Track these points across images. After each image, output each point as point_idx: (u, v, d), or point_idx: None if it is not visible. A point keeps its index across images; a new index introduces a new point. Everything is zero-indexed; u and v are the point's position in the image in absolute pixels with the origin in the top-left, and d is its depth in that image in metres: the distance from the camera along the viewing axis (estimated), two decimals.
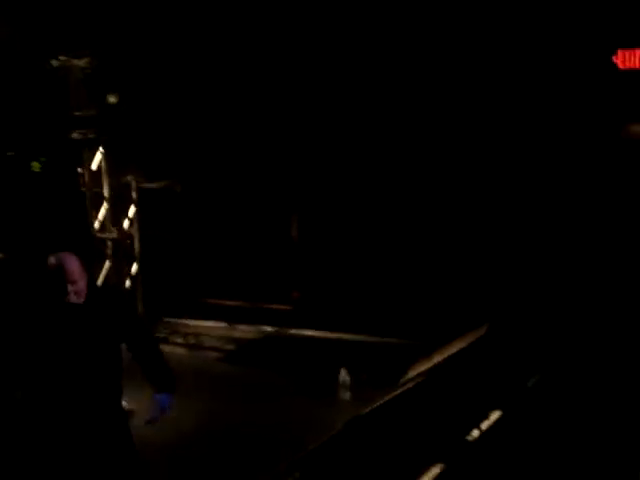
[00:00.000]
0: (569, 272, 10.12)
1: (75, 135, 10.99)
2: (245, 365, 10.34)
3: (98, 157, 11.17)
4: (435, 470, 7.34)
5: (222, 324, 11.29)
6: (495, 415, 8.12)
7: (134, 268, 11.41)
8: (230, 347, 10.91)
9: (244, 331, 11.17)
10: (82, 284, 5.81)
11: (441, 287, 10.26)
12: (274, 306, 11.38)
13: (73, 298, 5.75)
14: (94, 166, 11.18)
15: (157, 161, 11.60)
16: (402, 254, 10.67)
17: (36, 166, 11.59)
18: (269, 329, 11.08)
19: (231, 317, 11.34)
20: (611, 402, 7.93)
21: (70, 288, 5.73)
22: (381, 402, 7.61)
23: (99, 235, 11.24)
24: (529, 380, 8.72)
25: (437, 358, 8.16)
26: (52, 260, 6.13)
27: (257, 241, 11.61)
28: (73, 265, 5.82)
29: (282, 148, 11.53)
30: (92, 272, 10.91)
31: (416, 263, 10.53)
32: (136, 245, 11.43)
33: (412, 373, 8.01)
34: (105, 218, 11.28)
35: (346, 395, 8.91)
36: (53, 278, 5.84)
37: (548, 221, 10.50)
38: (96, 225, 11.22)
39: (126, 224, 11.37)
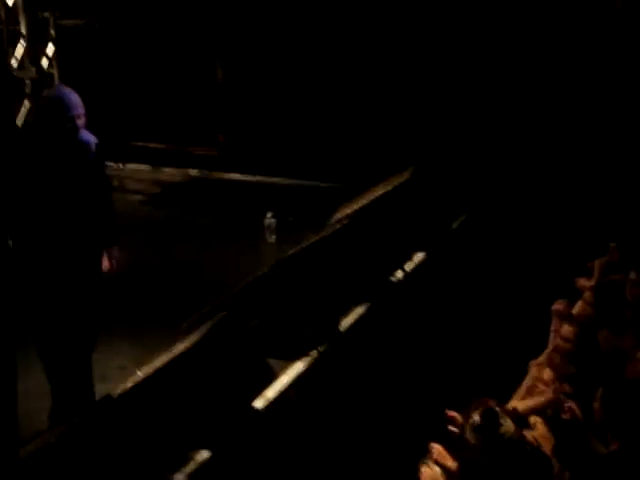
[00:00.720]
0: None
1: None
2: (170, 208, 10.28)
3: None
4: (360, 310, 7.47)
5: (146, 167, 11.12)
6: (419, 257, 8.24)
7: None
8: (155, 190, 10.81)
9: (169, 174, 11.04)
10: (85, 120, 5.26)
11: (368, 129, 10.15)
12: (200, 149, 11.21)
13: (85, 136, 5.26)
14: (10, 1, 10.71)
15: None
16: (328, 95, 10.48)
17: None
18: (194, 172, 10.96)
19: (156, 160, 11.17)
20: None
21: (78, 124, 5.20)
22: (306, 244, 7.63)
23: (17, 74, 10.86)
24: (454, 222, 8.82)
25: (363, 201, 8.15)
26: (50, 93, 5.36)
27: (182, 83, 11.29)
28: (76, 98, 5.24)
29: None
30: (12, 111, 10.61)
31: (342, 104, 10.36)
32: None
33: (338, 216, 8.00)
34: (23, 56, 10.88)
35: (272, 238, 8.93)
36: (54, 114, 5.17)
37: None
38: (13, 63, 10.83)
39: (45, 63, 10.98)
